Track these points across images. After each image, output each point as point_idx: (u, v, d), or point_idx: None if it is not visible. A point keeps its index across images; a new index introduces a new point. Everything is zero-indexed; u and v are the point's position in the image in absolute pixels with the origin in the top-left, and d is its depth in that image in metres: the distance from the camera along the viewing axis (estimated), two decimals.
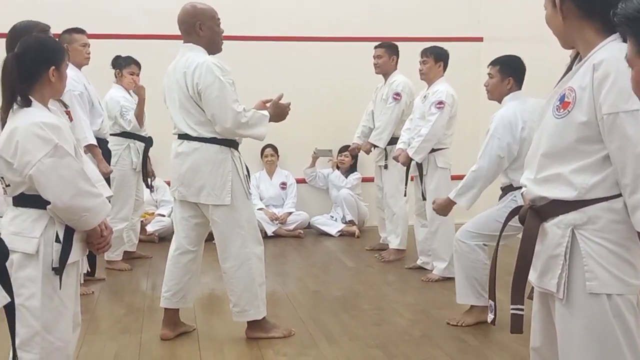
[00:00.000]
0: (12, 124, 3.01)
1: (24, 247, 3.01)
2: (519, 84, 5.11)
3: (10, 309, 2.60)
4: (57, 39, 4.39)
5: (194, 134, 4.60)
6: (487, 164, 4.90)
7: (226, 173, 4.61)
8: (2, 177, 3.06)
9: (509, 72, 5.06)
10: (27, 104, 3.04)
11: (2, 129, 3.18)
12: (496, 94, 5.10)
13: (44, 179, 2.95)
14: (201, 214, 4.75)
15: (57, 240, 3.03)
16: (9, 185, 3.05)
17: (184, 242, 4.79)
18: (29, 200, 3.03)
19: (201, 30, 4.70)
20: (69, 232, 3.07)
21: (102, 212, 3.14)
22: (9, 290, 2.55)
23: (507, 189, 5.01)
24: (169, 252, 4.84)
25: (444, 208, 5.17)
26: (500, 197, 5.07)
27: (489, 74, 5.12)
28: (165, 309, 4.82)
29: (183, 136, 4.65)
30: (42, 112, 3.07)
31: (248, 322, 4.78)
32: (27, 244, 3.01)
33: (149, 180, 7.09)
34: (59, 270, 3.01)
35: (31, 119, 2.99)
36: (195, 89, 4.53)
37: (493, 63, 5.12)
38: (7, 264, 2.89)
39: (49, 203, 2.99)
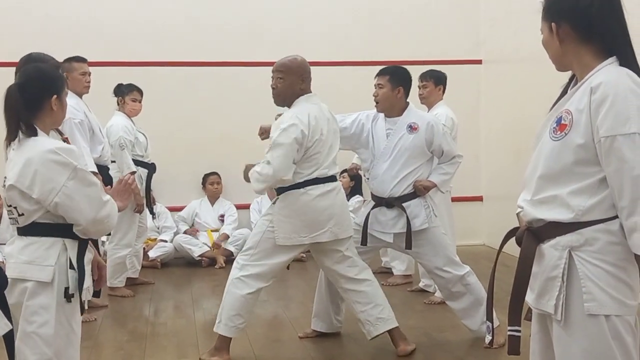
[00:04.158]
0: (24, 155, 3.03)
1: (38, 276, 3.03)
2: (407, 93, 5.17)
3: (9, 337, 2.61)
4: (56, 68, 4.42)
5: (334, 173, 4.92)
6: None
7: None
8: (15, 207, 3.08)
9: (399, 81, 5.11)
10: (33, 132, 3.07)
11: (6, 157, 3.22)
12: (387, 104, 5.13)
13: (70, 201, 3.00)
14: None
15: (71, 267, 3.07)
16: (21, 215, 3.07)
17: (267, 283, 4.88)
18: (41, 228, 3.07)
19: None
20: (80, 258, 3.10)
21: (115, 212, 3.20)
22: (8, 318, 2.57)
23: None
24: (247, 289, 4.78)
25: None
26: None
27: (378, 84, 5.15)
28: (224, 337, 4.83)
29: (332, 178, 4.87)
30: (50, 139, 3.11)
31: (398, 337, 4.96)
32: (42, 272, 3.04)
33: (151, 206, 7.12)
34: (73, 297, 3.06)
35: (45, 147, 3.03)
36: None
37: (382, 73, 5.17)
38: (19, 292, 2.99)
39: (61, 231, 3.05)
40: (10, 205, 3.10)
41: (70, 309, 3.09)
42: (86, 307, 3.26)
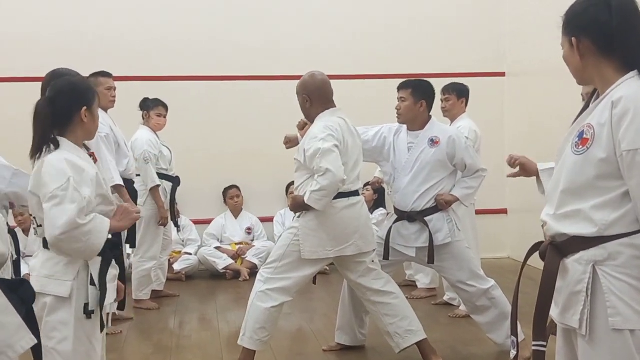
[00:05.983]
0: (42, 159, 3.06)
1: (57, 291, 3.03)
2: (430, 107, 5.16)
3: (37, 351, 2.61)
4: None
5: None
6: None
7: None
8: (35, 217, 3.10)
9: (422, 95, 5.10)
10: (57, 147, 3.09)
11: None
12: (409, 117, 5.12)
13: (48, 210, 2.96)
14: None
15: (92, 283, 3.05)
16: (39, 226, 3.09)
17: (291, 297, 4.87)
18: None
19: None
20: (103, 275, 3.09)
21: (99, 229, 3.05)
22: (36, 332, 2.56)
23: None
24: (272, 303, 4.75)
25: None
26: None
27: (400, 97, 5.14)
28: (248, 350, 4.81)
29: (356, 192, 4.87)
30: (72, 153, 3.10)
31: (428, 350, 4.96)
32: (61, 287, 3.03)
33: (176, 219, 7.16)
34: (93, 314, 3.04)
35: (58, 155, 3.04)
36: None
37: (404, 86, 5.16)
38: (40, 307, 2.95)
39: None
40: (31, 215, 3.12)
41: (91, 326, 3.08)
42: (109, 325, 3.25)
